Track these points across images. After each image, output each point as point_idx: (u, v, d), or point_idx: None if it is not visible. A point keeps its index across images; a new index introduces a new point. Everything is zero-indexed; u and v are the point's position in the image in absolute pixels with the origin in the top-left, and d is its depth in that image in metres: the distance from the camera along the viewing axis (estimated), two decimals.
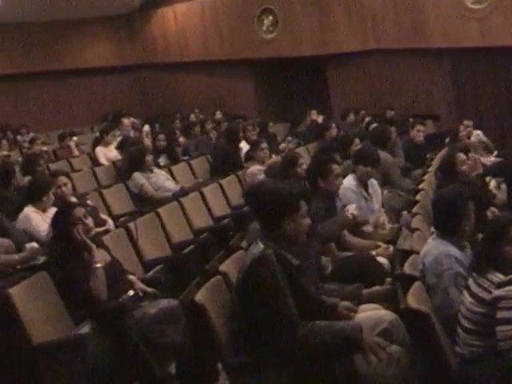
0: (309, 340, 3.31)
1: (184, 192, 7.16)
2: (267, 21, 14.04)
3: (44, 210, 5.76)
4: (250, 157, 8.09)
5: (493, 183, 6.70)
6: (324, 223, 4.80)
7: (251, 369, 3.39)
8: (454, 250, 3.72)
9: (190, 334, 4.01)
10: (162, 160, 9.35)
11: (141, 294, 4.45)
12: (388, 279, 4.25)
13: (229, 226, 6.48)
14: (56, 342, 4.03)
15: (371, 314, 3.67)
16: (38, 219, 5.68)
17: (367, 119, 11.03)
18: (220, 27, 15.15)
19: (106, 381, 4.01)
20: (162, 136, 9.84)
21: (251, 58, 14.52)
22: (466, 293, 3.43)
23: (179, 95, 16.77)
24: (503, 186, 6.57)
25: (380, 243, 5.11)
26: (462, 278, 3.61)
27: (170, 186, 7.67)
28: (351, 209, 5.11)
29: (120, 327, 4.07)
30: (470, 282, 3.44)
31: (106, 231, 5.56)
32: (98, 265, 4.30)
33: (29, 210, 5.74)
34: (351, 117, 11.49)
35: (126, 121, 11.56)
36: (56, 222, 4.58)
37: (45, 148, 10.76)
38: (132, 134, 11.53)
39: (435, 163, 7.32)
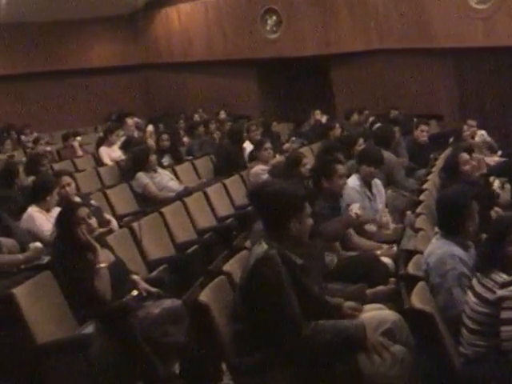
0: (312, 340, 3.31)
1: (188, 192, 7.15)
2: (271, 21, 14.01)
3: (48, 210, 5.77)
4: (253, 157, 8.08)
5: (497, 183, 6.67)
6: (327, 222, 4.81)
7: (255, 369, 3.40)
8: (457, 250, 3.71)
9: (193, 334, 4.01)
10: (166, 160, 9.34)
11: (144, 294, 4.45)
12: (392, 279, 4.25)
13: (232, 226, 6.47)
14: (60, 341, 4.02)
15: (375, 313, 3.67)
16: (42, 219, 5.69)
17: (371, 119, 11.02)
18: (224, 27, 15.14)
19: (110, 380, 4.01)
20: (165, 136, 9.81)
21: (255, 57, 14.49)
22: (469, 293, 3.43)
23: (183, 95, 16.77)
24: (507, 186, 6.55)
25: (385, 245, 5.12)
26: (465, 278, 3.60)
27: (174, 185, 7.67)
28: (355, 208, 5.10)
29: (124, 327, 4.07)
30: (474, 282, 3.44)
31: (110, 231, 5.56)
32: (102, 265, 4.30)
33: (33, 210, 5.74)
34: (355, 117, 11.45)
35: (129, 121, 11.53)
36: (60, 221, 4.58)
37: (48, 148, 10.79)
38: (136, 134, 11.50)
39: (439, 163, 7.30)
